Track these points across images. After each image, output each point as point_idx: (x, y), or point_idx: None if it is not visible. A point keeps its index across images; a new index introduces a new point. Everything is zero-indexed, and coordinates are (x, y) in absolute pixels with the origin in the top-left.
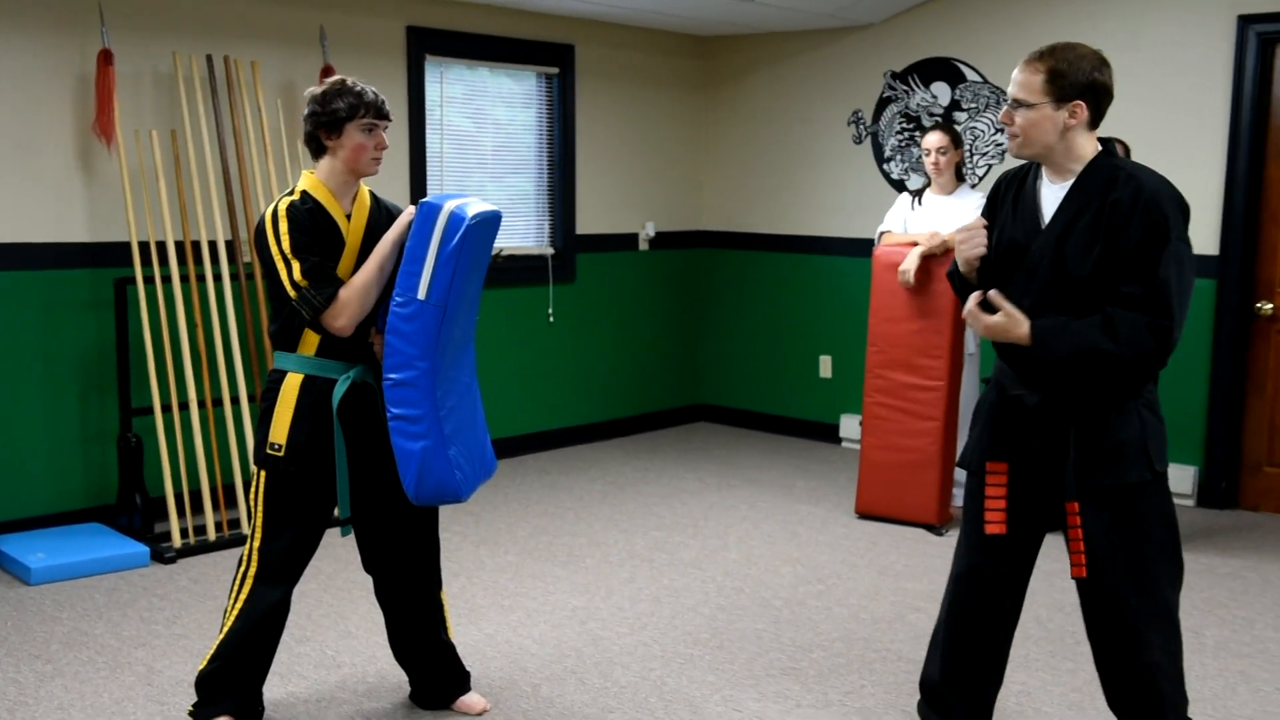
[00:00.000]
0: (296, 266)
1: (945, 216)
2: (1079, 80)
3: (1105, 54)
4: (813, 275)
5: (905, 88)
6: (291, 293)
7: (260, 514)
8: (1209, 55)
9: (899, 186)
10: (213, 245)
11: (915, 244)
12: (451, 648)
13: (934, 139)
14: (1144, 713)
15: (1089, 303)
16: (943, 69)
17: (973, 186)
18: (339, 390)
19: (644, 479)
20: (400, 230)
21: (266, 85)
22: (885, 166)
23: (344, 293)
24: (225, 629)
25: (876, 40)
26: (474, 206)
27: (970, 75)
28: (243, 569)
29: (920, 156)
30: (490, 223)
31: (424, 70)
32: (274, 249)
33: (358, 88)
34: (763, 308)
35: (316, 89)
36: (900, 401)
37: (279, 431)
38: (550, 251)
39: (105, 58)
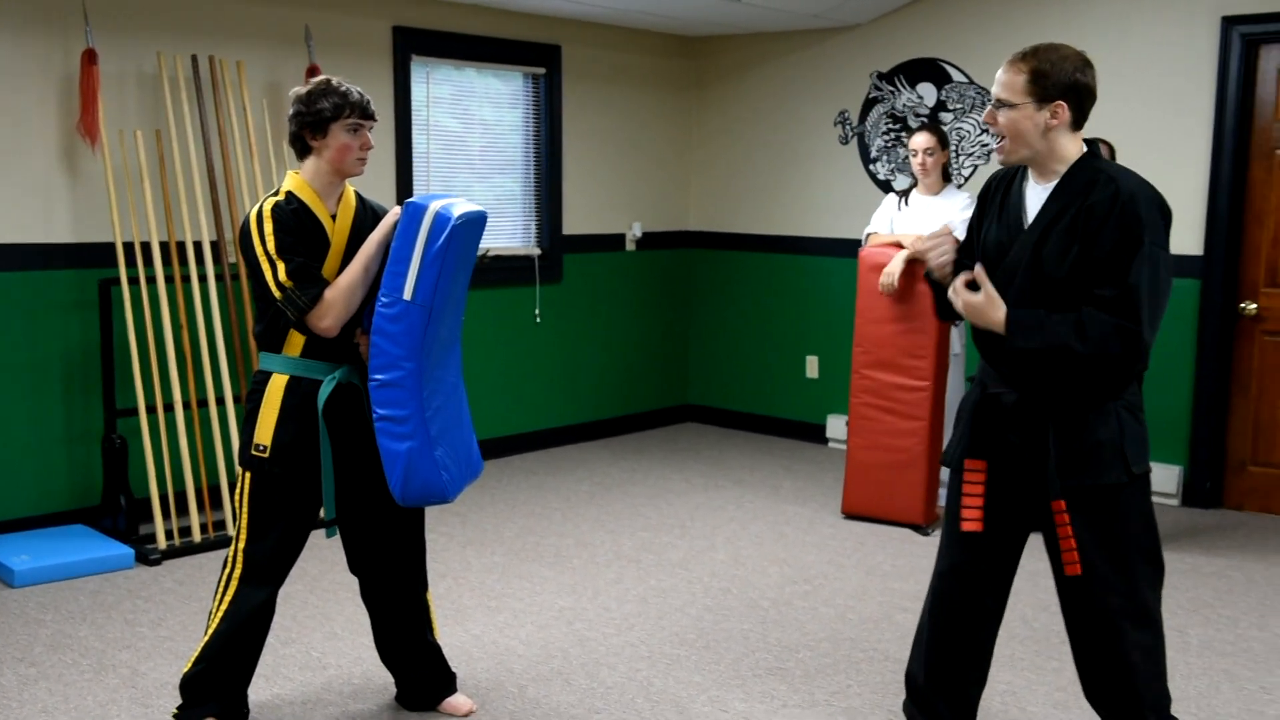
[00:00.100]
0: (281, 267)
1: (932, 217)
2: (1061, 81)
3: (1090, 55)
4: (799, 276)
5: (891, 88)
6: (276, 293)
7: (245, 515)
8: (1193, 56)
9: (885, 187)
10: (198, 246)
11: (900, 245)
12: (437, 649)
13: (921, 139)
14: (1123, 711)
15: (1066, 304)
16: (929, 70)
17: (959, 187)
18: (324, 391)
19: (631, 479)
20: (386, 231)
21: (251, 85)
22: (871, 167)
23: (329, 293)
24: (210, 631)
25: (863, 41)
26: (460, 207)
27: (956, 76)
28: (227, 570)
29: (906, 157)
30: (476, 223)
31: (410, 70)
32: (259, 249)
33: (343, 88)
34: (749, 308)
35: (301, 89)
36: (886, 402)
37: (264, 433)
38: (537, 252)
39: (89, 57)
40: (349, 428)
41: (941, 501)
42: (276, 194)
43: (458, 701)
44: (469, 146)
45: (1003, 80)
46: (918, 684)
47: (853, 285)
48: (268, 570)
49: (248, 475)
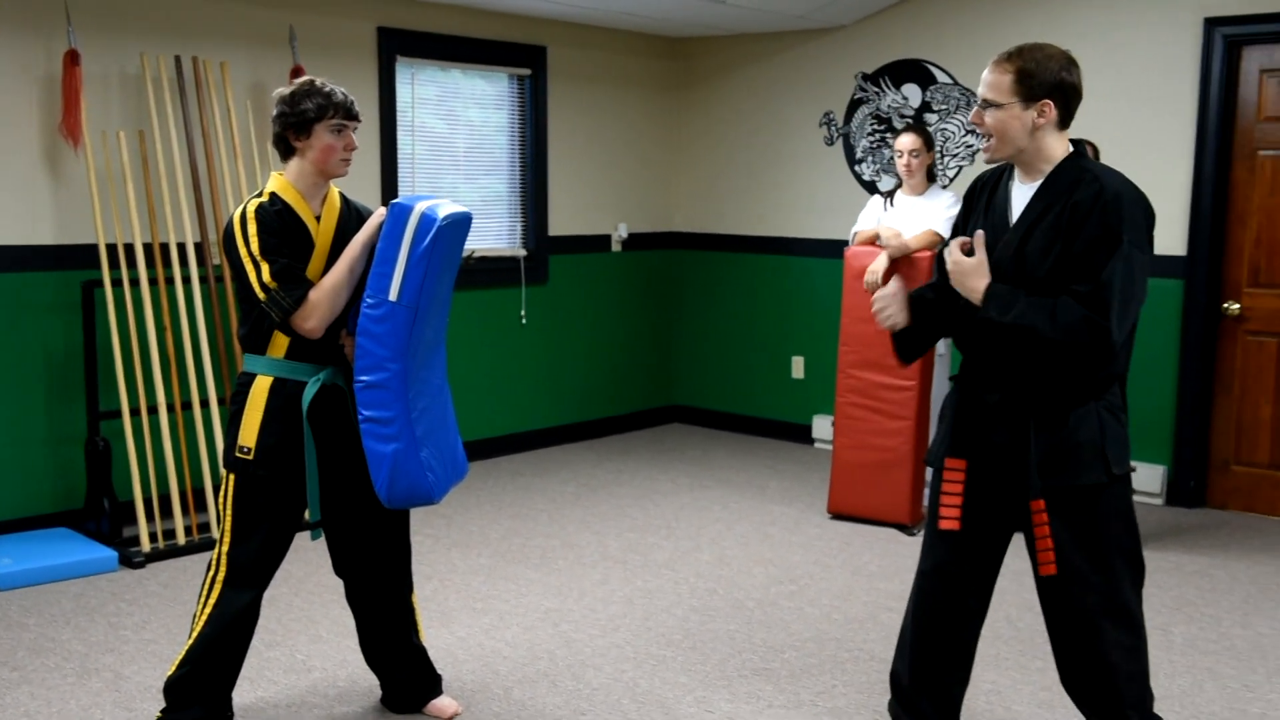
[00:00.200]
0: (265, 268)
1: (917, 217)
2: (1047, 80)
3: (1074, 56)
4: (785, 276)
5: (876, 89)
6: (260, 295)
7: (229, 518)
8: (1176, 57)
9: (870, 188)
10: (181, 247)
11: (876, 242)
12: (423, 651)
13: (906, 141)
14: (1105, 710)
15: None
16: (913, 71)
17: (944, 187)
18: (309, 393)
19: (617, 480)
20: (371, 232)
21: (235, 86)
22: (857, 168)
23: (314, 294)
24: (194, 634)
25: (848, 42)
26: (445, 208)
27: (941, 77)
28: (212, 573)
29: (892, 158)
30: (461, 224)
31: (395, 71)
32: (243, 251)
33: (326, 88)
34: (735, 309)
35: (285, 90)
36: (872, 401)
37: (248, 434)
38: (522, 253)
39: (72, 58)
40: (334, 429)
41: (926, 501)
42: (260, 195)
43: (443, 704)
44: (454, 147)
45: (989, 80)
46: (902, 684)
47: (838, 286)
48: (252, 573)
49: (232, 477)
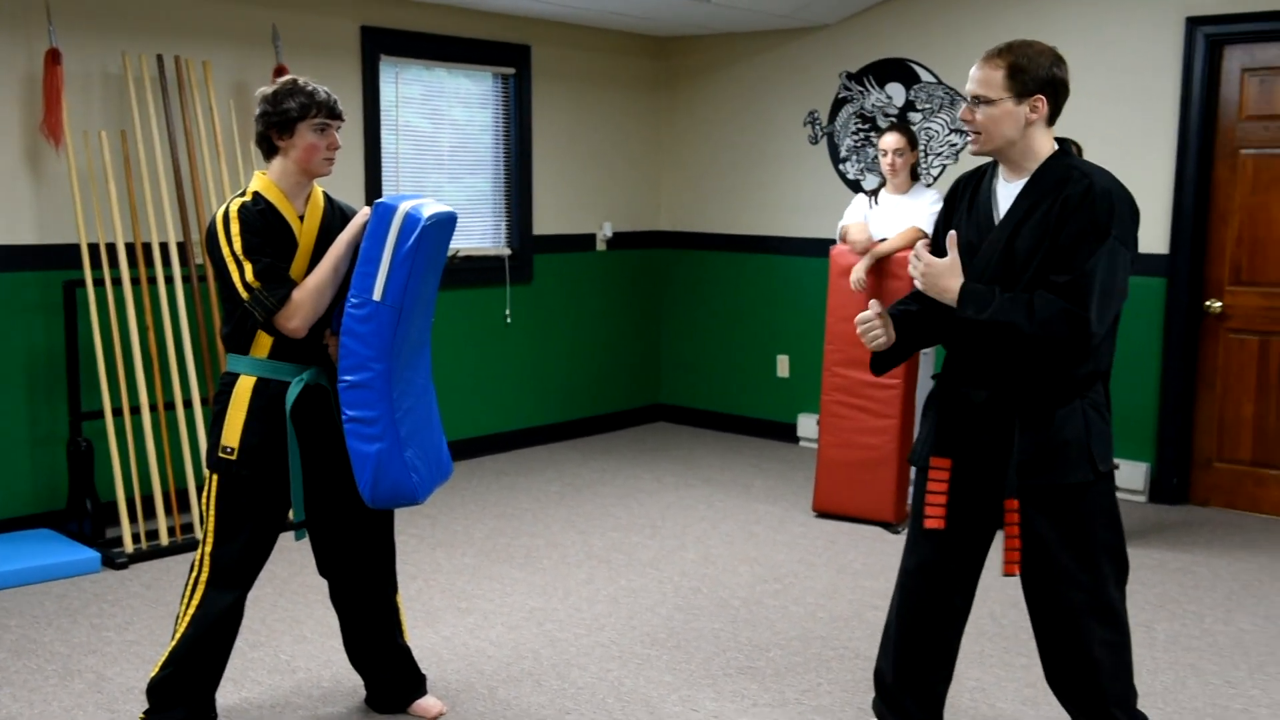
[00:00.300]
0: (248, 268)
1: (901, 215)
2: (1039, 75)
3: None
4: (770, 275)
5: (861, 88)
6: (244, 294)
7: (213, 518)
8: (1158, 57)
9: (854, 186)
10: (164, 247)
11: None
12: (407, 651)
13: (890, 140)
14: (1087, 707)
15: None
16: (898, 70)
17: (928, 186)
18: (292, 392)
19: (602, 480)
20: (355, 231)
21: (218, 85)
22: (841, 167)
23: (297, 294)
24: (177, 635)
25: (832, 41)
26: (429, 207)
27: (925, 76)
28: (195, 574)
29: (876, 157)
30: (446, 224)
31: (379, 70)
32: (225, 250)
33: (309, 87)
34: (720, 308)
35: (268, 89)
36: (858, 400)
37: (231, 435)
38: (507, 252)
39: (53, 57)
40: (317, 429)
41: (911, 500)
42: (243, 194)
43: (428, 703)
44: (439, 147)
45: (979, 77)
46: (886, 682)
47: (823, 285)
48: (235, 573)
49: (215, 478)
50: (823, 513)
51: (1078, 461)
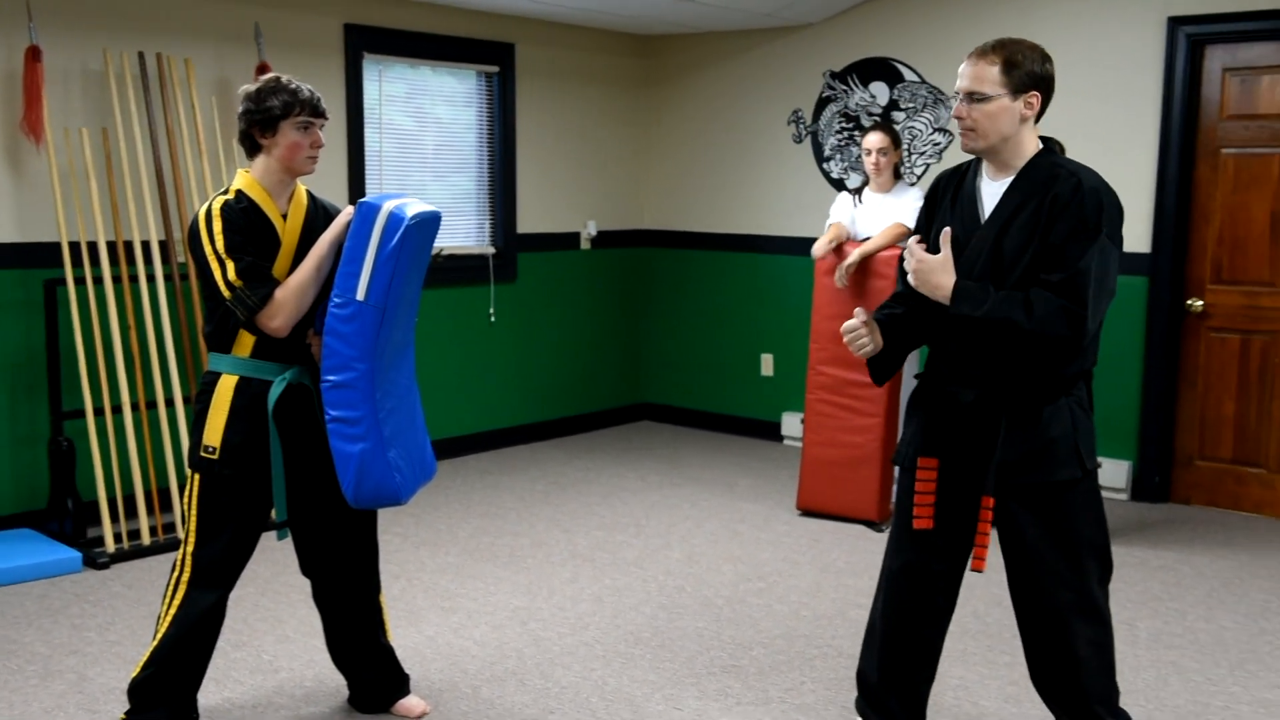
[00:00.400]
0: (231, 266)
1: (884, 214)
2: (1033, 71)
3: None
4: (753, 274)
5: (844, 87)
6: (226, 293)
7: (194, 518)
8: (1140, 56)
9: (838, 185)
10: (145, 245)
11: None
12: (390, 651)
13: (874, 139)
14: (1071, 705)
15: None
16: (881, 69)
17: (911, 185)
18: (274, 392)
19: (586, 478)
20: (338, 230)
21: (200, 83)
22: (825, 165)
23: (280, 293)
24: (159, 635)
25: (816, 40)
26: (413, 207)
27: (908, 75)
28: (176, 574)
29: (859, 156)
30: (430, 223)
31: (362, 68)
32: (208, 249)
33: (293, 85)
34: (704, 306)
35: (251, 86)
36: (842, 398)
37: (213, 434)
38: (491, 251)
39: (33, 54)
40: (300, 429)
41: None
42: (226, 192)
43: (411, 703)
44: (422, 145)
45: (973, 74)
46: (870, 682)
47: (806, 283)
48: (217, 573)
49: (197, 477)
50: (807, 511)
51: (1066, 459)
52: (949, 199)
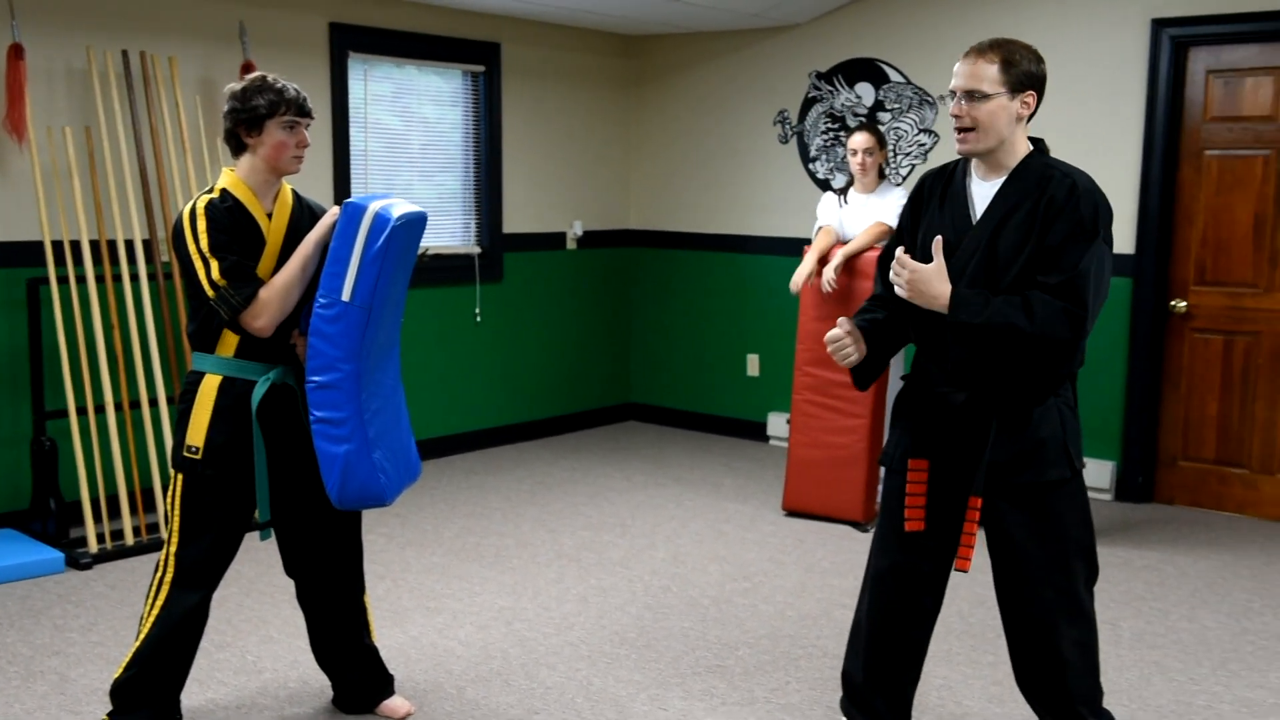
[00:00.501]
0: (215, 265)
1: (869, 214)
2: (1030, 70)
3: None
4: (739, 274)
5: (830, 88)
6: (210, 292)
7: (177, 518)
8: (1124, 58)
9: (824, 186)
10: (129, 244)
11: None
12: (374, 651)
13: (860, 139)
14: (1055, 705)
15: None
16: (867, 70)
17: (896, 185)
18: (258, 392)
19: (571, 479)
20: (324, 230)
21: (184, 81)
22: (810, 166)
23: (264, 293)
24: (141, 635)
25: (802, 41)
26: (399, 207)
27: (894, 76)
28: (159, 574)
29: (845, 156)
30: (416, 224)
31: (347, 67)
32: (192, 247)
33: (279, 84)
34: (690, 307)
35: (236, 85)
36: (828, 399)
37: (196, 434)
38: (477, 250)
39: (16, 52)
40: (284, 429)
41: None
42: (210, 191)
43: (395, 704)
44: (408, 144)
45: (971, 72)
46: (855, 682)
47: None
48: (201, 574)
49: (180, 477)
50: (792, 511)
51: (1055, 459)
52: (937, 199)
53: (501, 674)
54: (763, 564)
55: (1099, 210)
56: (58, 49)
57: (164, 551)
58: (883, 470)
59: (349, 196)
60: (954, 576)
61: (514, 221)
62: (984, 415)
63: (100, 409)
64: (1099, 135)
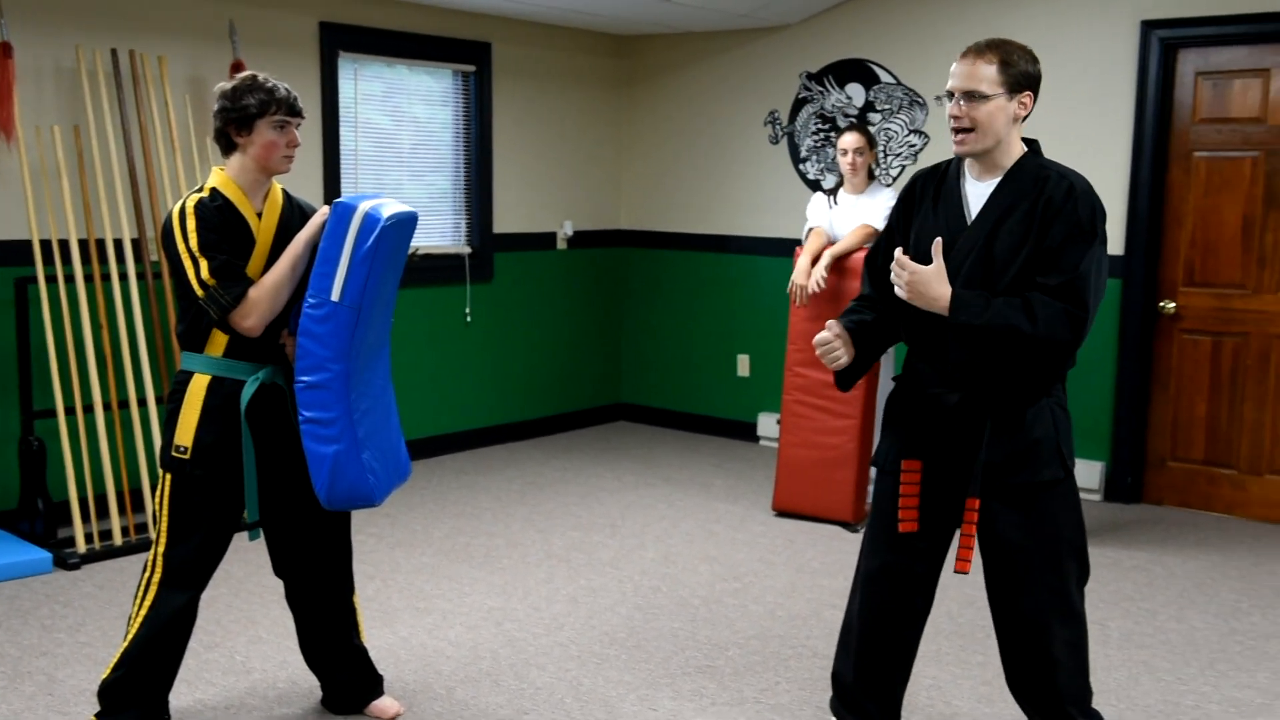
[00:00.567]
0: (204, 264)
1: (859, 215)
2: (1027, 71)
3: None
4: (730, 274)
5: (821, 89)
6: (199, 291)
7: (165, 518)
8: (1114, 60)
9: (814, 186)
10: (118, 244)
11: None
12: (363, 652)
13: (850, 139)
14: (1044, 705)
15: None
16: (857, 70)
17: (886, 186)
18: (247, 391)
19: (562, 479)
20: (313, 230)
21: (174, 80)
22: (801, 166)
23: (253, 292)
24: (130, 636)
25: (792, 41)
26: (389, 207)
27: (884, 77)
28: (148, 574)
29: (835, 157)
30: (406, 224)
31: (338, 67)
32: (181, 247)
33: (269, 84)
34: (680, 307)
35: (227, 84)
36: (819, 399)
37: (184, 434)
38: (467, 250)
39: (4, 50)
40: (273, 429)
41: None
42: (200, 190)
43: (384, 704)
44: (398, 144)
45: (969, 73)
46: (845, 683)
47: (783, 284)
48: (189, 574)
49: (168, 477)
50: (782, 512)
51: (1049, 459)
52: (929, 199)
53: (491, 674)
54: (753, 564)
55: (1096, 211)
56: (46, 47)
57: (152, 551)
58: (873, 471)
59: (339, 196)
60: (944, 577)
61: (504, 221)
62: (977, 416)
63: (89, 409)
64: (1088, 136)
